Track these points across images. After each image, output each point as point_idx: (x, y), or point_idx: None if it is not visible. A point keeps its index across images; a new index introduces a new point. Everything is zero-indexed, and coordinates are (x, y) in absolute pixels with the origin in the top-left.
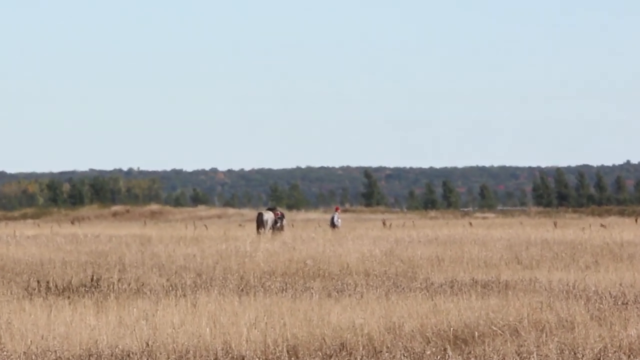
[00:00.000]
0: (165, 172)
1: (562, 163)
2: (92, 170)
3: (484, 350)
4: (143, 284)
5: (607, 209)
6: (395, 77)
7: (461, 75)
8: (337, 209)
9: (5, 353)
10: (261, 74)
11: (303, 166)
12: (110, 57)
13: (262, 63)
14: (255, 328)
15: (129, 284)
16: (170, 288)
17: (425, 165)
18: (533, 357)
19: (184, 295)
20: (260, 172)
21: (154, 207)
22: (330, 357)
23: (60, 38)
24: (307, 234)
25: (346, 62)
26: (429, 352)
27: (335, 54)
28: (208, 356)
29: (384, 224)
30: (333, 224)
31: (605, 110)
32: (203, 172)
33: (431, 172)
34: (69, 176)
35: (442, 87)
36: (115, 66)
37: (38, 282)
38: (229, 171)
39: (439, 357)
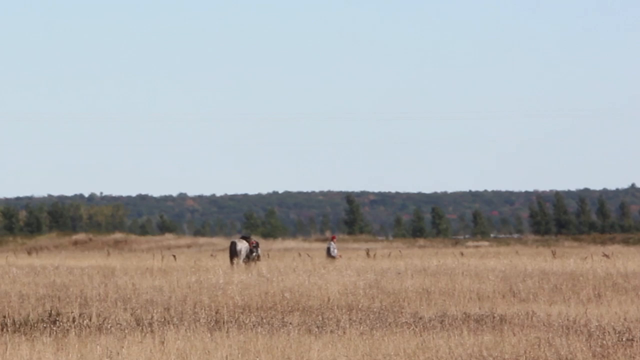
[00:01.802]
0: (130, 197)
1: (562, 187)
2: (50, 196)
3: None
4: (106, 320)
5: (610, 236)
6: (379, 93)
7: (451, 92)
8: (333, 238)
9: None
10: (234, 90)
11: (280, 191)
12: (68, 71)
13: (235, 78)
14: None
15: (91, 320)
16: (136, 324)
17: (412, 189)
18: None
19: (151, 332)
20: (234, 197)
21: (118, 235)
22: None
23: (12, 52)
24: (285, 264)
25: (327, 78)
26: None
27: (315, 69)
28: None
29: (368, 253)
30: (329, 254)
31: (608, 130)
32: (171, 197)
33: (419, 198)
34: (25, 202)
35: (431, 105)
36: (73, 82)
37: None
38: (200, 197)
39: None
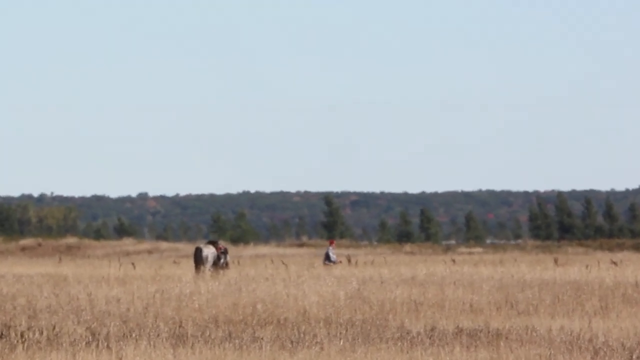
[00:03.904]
0: (83, 198)
1: (565, 187)
2: None
3: None
4: (58, 333)
5: (618, 242)
6: (361, 84)
7: (441, 83)
8: (331, 243)
9: None
10: (201, 79)
11: (251, 191)
12: (13, 62)
13: (202, 66)
14: None
15: (42, 333)
16: (91, 338)
17: (398, 189)
18: None
19: (107, 347)
20: (200, 198)
21: (71, 240)
22: None
23: None
24: (256, 272)
25: (304, 66)
26: None
27: (291, 54)
28: None
29: (349, 260)
30: (328, 260)
31: (617, 126)
32: (129, 198)
33: (406, 198)
34: None
35: (419, 97)
36: (19, 73)
37: None
38: (162, 197)
39: None
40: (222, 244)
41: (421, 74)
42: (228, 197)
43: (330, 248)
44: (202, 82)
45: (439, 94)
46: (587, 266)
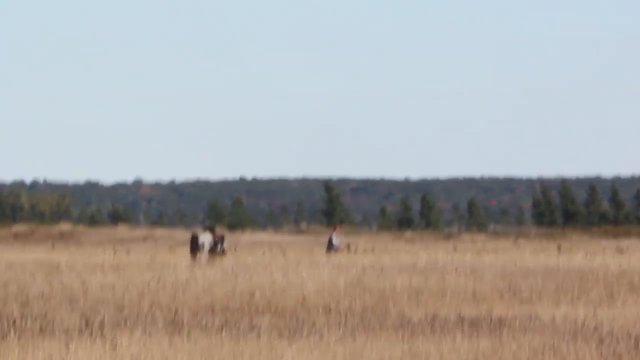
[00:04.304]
0: (77, 185)
1: (569, 173)
2: None
3: None
4: (51, 321)
5: (624, 229)
6: (361, 68)
7: (444, 68)
8: (335, 228)
9: None
10: (198, 63)
11: (248, 177)
12: (11, 48)
13: (199, 50)
14: None
15: (34, 321)
16: (85, 326)
17: (399, 176)
18: None
19: (101, 335)
20: (196, 184)
21: (64, 226)
22: None
23: None
24: (254, 259)
25: (301, 50)
26: None
27: (285, 39)
28: None
29: (348, 247)
30: (331, 246)
31: (622, 109)
32: (124, 185)
33: (407, 185)
34: None
35: (420, 81)
36: (15, 57)
37: None
38: (157, 184)
39: None
40: (218, 230)
41: (423, 58)
42: (225, 183)
43: (334, 234)
44: (199, 66)
45: (441, 78)
46: (590, 254)
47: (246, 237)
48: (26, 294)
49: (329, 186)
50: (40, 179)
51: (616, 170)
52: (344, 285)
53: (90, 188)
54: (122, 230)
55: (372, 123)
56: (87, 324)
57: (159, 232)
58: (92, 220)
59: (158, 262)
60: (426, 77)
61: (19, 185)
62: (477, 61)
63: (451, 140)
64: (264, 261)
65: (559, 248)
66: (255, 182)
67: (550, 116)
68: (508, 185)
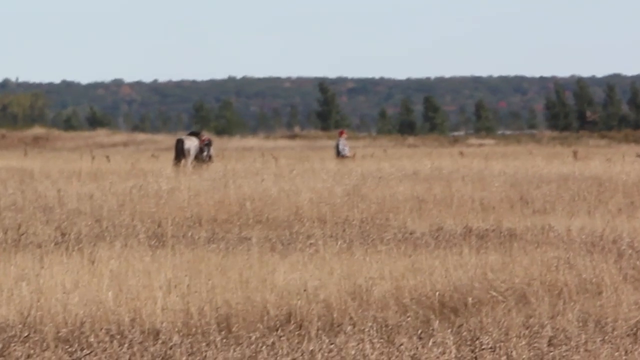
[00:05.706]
0: (52, 84)
1: (585, 72)
2: None
3: (481, 321)
4: (24, 233)
5: None
6: None
7: None
8: (341, 133)
9: None
10: None
11: (238, 77)
12: None
13: None
14: (173, 293)
15: (6, 233)
16: (61, 238)
17: (400, 75)
18: (546, 330)
19: (79, 249)
20: (181, 85)
21: (38, 130)
22: (275, 330)
23: None
24: (244, 166)
25: None
26: (406, 324)
27: None
28: (110, 329)
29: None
30: (338, 153)
31: None
32: (103, 84)
33: (409, 85)
34: None
35: None
36: None
37: None
38: (138, 83)
39: (420, 330)
40: (205, 135)
41: None
42: (212, 84)
43: (341, 139)
44: None
45: None
46: (608, 160)
47: (235, 142)
48: None
49: (324, 86)
50: (12, 79)
51: (637, 69)
52: (340, 194)
53: (66, 88)
54: (101, 134)
55: (369, 18)
56: (63, 236)
57: (141, 136)
58: (68, 124)
59: (139, 169)
60: None
61: None
62: None
63: (456, 36)
64: (255, 168)
65: (574, 154)
66: (245, 82)
67: (565, 8)
68: (519, 85)
